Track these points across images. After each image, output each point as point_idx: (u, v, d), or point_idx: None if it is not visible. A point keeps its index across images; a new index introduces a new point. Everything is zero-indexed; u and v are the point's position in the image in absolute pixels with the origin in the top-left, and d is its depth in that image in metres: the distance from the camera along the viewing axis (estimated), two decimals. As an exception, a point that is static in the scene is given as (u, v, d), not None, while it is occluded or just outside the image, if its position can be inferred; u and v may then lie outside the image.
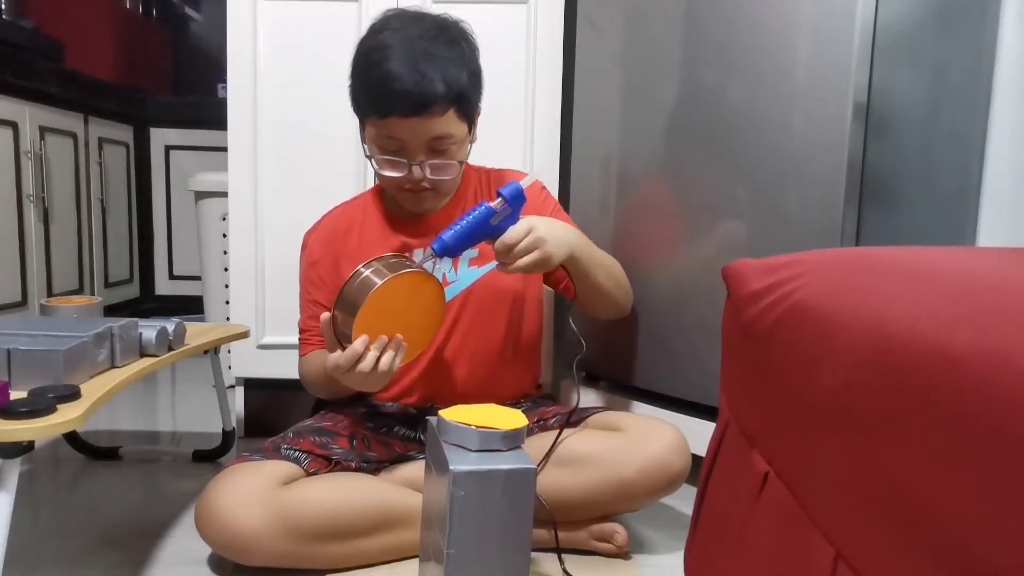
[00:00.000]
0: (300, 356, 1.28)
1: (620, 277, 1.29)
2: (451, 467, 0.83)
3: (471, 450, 0.87)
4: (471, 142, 1.21)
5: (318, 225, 1.30)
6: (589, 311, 1.31)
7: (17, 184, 2.17)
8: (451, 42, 1.14)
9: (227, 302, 1.88)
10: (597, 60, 1.48)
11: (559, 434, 1.11)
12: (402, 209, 1.25)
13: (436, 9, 1.50)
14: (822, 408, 0.56)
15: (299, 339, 1.28)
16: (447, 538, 0.84)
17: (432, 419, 0.96)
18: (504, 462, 0.86)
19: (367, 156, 1.20)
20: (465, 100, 1.14)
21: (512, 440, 0.89)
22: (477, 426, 0.88)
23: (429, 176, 1.16)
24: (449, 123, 1.13)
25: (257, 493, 1.01)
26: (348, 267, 1.07)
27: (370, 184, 1.54)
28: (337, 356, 1.01)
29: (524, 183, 1.11)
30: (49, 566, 1.09)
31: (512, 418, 0.91)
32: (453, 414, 0.91)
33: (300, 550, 1.02)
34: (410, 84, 1.08)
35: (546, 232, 1.10)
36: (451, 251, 1.07)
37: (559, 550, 1.07)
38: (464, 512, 0.84)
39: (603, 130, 1.47)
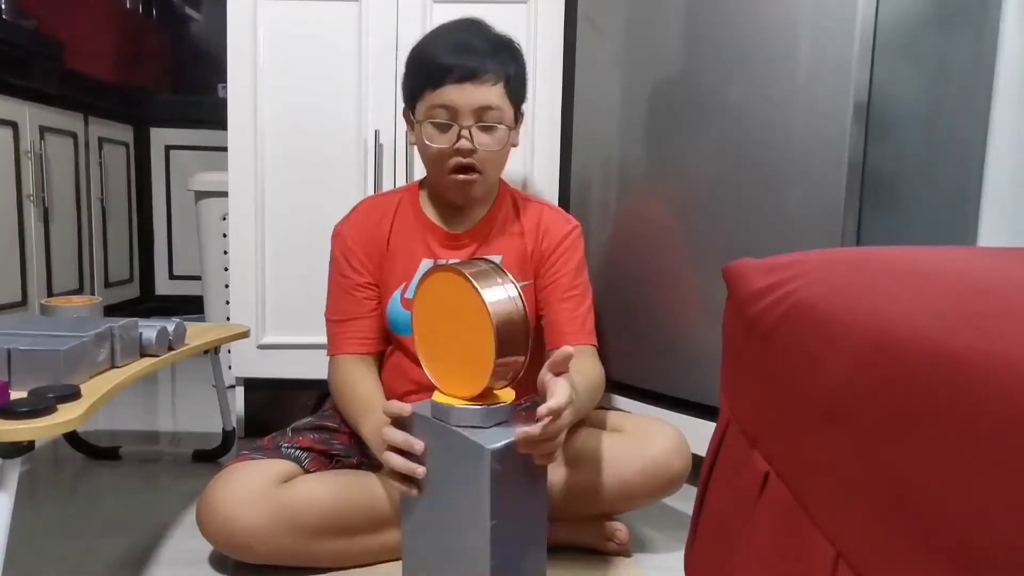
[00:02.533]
0: (331, 355, 1.20)
1: (599, 397, 1.18)
2: (486, 445, 0.86)
3: (485, 427, 0.89)
4: (514, 144, 1.21)
5: (349, 216, 1.27)
6: None
7: (17, 184, 2.17)
8: (502, 42, 1.19)
9: (227, 302, 1.88)
10: (597, 60, 1.48)
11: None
12: (436, 213, 1.24)
13: (437, 9, 1.51)
14: (822, 408, 0.56)
15: (329, 335, 1.21)
16: (490, 511, 0.86)
17: (419, 410, 0.93)
18: (514, 431, 0.88)
19: (412, 143, 1.23)
20: (514, 81, 1.18)
21: (510, 411, 0.92)
22: (485, 404, 0.90)
23: (477, 144, 1.14)
24: (499, 95, 1.15)
25: (258, 491, 1.01)
26: (379, 256, 1.14)
27: (370, 189, 1.54)
28: (393, 433, 0.93)
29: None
30: (49, 566, 1.09)
31: (475, 388, 0.91)
32: (443, 399, 0.92)
33: (301, 547, 1.03)
34: (465, 54, 1.14)
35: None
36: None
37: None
38: (500, 484, 0.87)
39: (603, 130, 1.47)
